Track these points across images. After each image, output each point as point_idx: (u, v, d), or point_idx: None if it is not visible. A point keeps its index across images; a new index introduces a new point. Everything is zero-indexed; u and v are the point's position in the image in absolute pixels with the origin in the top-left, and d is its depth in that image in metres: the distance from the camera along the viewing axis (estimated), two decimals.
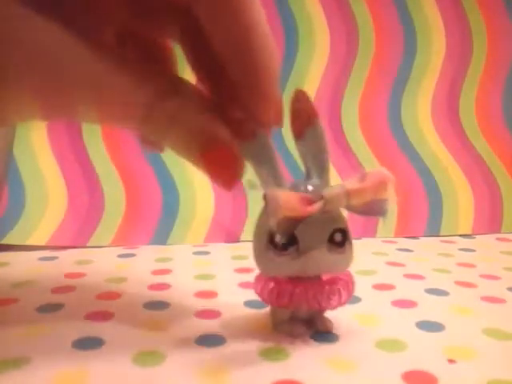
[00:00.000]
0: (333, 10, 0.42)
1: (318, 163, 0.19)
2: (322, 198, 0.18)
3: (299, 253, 0.19)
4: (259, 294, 0.20)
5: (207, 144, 0.18)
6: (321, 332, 0.20)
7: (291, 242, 0.18)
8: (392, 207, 0.18)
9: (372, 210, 0.18)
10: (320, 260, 0.19)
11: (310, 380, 0.17)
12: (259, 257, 0.19)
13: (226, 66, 0.18)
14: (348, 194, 0.18)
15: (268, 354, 0.18)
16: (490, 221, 0.41)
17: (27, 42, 0.16)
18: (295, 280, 0.19)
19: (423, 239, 0.39)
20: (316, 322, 0.20)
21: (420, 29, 0.43)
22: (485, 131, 0.44)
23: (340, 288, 0.19)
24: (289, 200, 0.17)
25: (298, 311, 0.20)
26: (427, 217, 0.41)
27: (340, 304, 0.20)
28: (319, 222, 0.18)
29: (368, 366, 0.18)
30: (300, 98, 0.18)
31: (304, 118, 0.18)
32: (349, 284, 0.20)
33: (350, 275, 0.20)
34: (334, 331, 0.20)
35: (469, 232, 0.40)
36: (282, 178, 0.19)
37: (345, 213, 0.19)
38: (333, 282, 0.19)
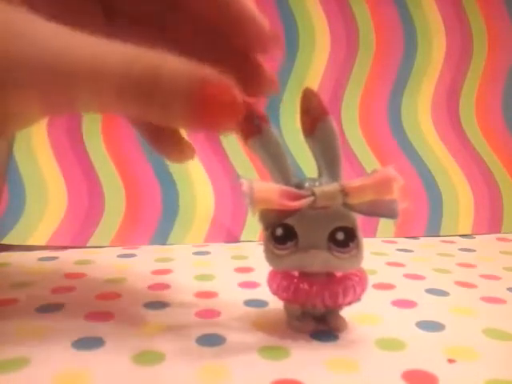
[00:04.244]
0: (333, 10, 0.42)
1: (328, 160, 0.19)
2: (312, 194, 0.18)
3: (298, 248, 0.19)
4: (275, 292, 0.20)
5: (202, 82, 0.15)
6: (325, 331, 0.20)
7: (290, 236, 0.19)
8: (402, 208, 0.18)
9: (380, 210, 0.18)
10: (318, 258, 0.19)
11: (309, 379, 0.17)
12: (264, 248, 0.19)
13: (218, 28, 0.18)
14: (344, 191, 0.18)
15: (268, 354, 0.18)
16: (490, 221, 0.41)
17: (18, 36, 0.16)
18: (310, 278, 0.19)
19: (423, 239, 0.39)
20: (329, 320, 0.20)
21: (420, 29, 0.44)
22: (485, 131, 0.44)
23: (354, 284, 0.19)
24: (265, 192, 0.17)
25: (311, 308, 0.20)
26: (427, 217, 0.41)
27: (354, 301, 0.20)
28: (320, 219, 0.18)
29: (368, 365, 0.18)
30: (309, 95, 0.19)
31: (314, 115, 0.19)
32: (362, 280, 0.20)
33: (363, 271, 0.20)
34: None
35: (469, 232, 0.40)
36: (290, 172, 0.19)
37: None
38: (347, 278, 0.19)
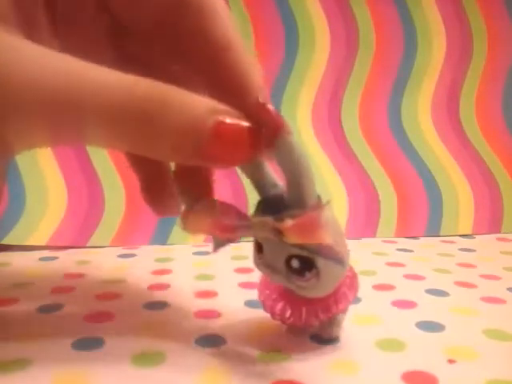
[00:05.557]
0: (333, 10, 0.42)
1: (289, 181, 0.17)
2: (250, 226, 0.17)
3: (264, 263, 0.18)
4: (272, 315, 0.20)
5: (217, 117, 0.15)
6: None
7: (261, 250, 0.18)
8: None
9: (327, 253, 0.17)
10: (278, 281, 0.18)
11: (309, 380, 0.17)
12: None
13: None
14: (277, 230, 0.16)
15: (268, 355, 0.18)
16: (490, 221, 0.41)
17: (24, 68, 0.15)
18: (298, 297, 0.19)
19: (423, 239, 0.39)
20: (323, 331, 0.20)
21: (420, 29, 0.43)
22: (485, 131, 0.44)
23: (345, 290, 0.19)
24: (197, 222, 0.17)
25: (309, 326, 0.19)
26: (427, 217, 0.41)
27: (348, 304, 0.19)
28: (279, 243, 0.17)
29: (368, 366, 0.18)
30: (261, 110, 0.16)
31: (269, 130, 0.16)
32: (353, 282, 0.19)
33: (352, 271, 0.20)
34: None
35: (469, 232, 0.40)
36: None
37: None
38: (338, 285, 0.19)
